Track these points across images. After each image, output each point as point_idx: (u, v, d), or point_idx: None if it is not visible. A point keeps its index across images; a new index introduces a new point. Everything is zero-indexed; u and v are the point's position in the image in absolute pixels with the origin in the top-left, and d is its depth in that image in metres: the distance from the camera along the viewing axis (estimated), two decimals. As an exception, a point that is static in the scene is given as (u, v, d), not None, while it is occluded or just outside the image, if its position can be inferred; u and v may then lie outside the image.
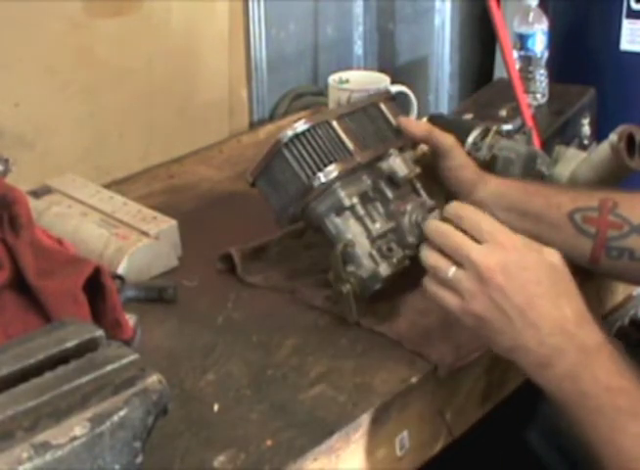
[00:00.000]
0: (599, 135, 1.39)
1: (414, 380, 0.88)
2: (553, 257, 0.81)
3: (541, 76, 1.50)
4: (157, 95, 1.44)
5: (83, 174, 1.24)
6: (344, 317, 0.96)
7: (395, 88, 1.34)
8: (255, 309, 1.01)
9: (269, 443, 0.80)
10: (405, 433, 0.88)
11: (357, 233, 0.96)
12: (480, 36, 2.20)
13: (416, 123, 1.06)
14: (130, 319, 0.92)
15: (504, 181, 1.04)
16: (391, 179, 0.98)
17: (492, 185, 1.03)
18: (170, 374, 0.77)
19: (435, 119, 1.16)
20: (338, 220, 0.96)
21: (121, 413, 0.65)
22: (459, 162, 1.03)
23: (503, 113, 1.36)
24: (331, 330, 0.97)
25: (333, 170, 0.95)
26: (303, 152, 0.96)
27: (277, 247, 1.11)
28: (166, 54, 1.44)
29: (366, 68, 1.89)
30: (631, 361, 0.77)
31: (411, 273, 0.95)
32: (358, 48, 1.90)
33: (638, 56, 1.72)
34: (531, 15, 1.49)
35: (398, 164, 0.98)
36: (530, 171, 1.13)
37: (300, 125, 0.97)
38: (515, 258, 0.79)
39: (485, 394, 0.97)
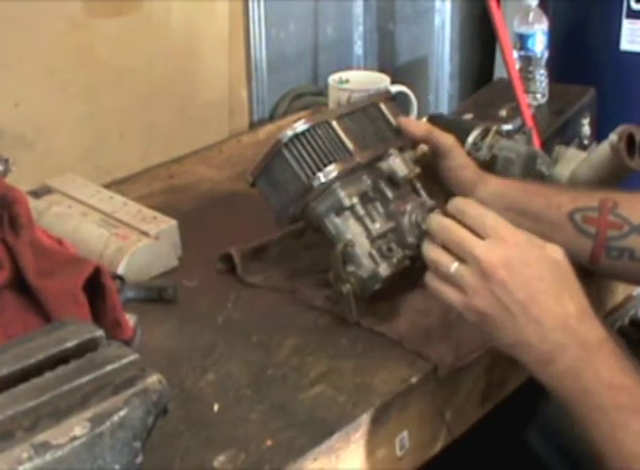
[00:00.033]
0: (599, 135, 1.39)
1: (414, 380, 0.88)
2: (556, 253, 0.81)
3: (541, 76, 1.50)
4: (157, 95, 1.44)
5: (83, 174, 1.24)
6: (344, 317, 0.96)
7: (395, 88, 1.34)
8: (255, 309, 1.01)
9: (269, 443, 0.80)
10: (405, 433, 0.88)
11: (357, 233, 0.96)
12: (480, 36, 2.20)
13: (416, 123, 1.06)
14: (130, 319, 0.92)
15: (504, 181, 1.04)
16: (391, 179, 0.98)
17: (492, 185, 1.03)
18: (170, 374, 0.77)
19: (435, 119, 1.16)
20: (337, 220, 0.96)
21: (121, 413, 0.65)
22: (459, 162, 1.03)
23: (503, 113, 1.36)
24: (331, 330, 0.97)
25: (332, 170, 0.95)
26: (303, 152, 0.96)
27: (277, 247, 1.11)
28: (166, 54, 1.44)
29: (366, 68, 1.89)
30: (633, 358, 0.77)
31: (411, 273, 0.95)
32: (358, 48, 1.90)
33: (638, 56, 1.72)
34: (531, 15, 1.49)
35: (398, 164, 0.98)
36: (530, 171, 1.13)
37: (300, 125, 0.97)
38: (518, 254, 0.79)
39: (485, 394, 0.97)
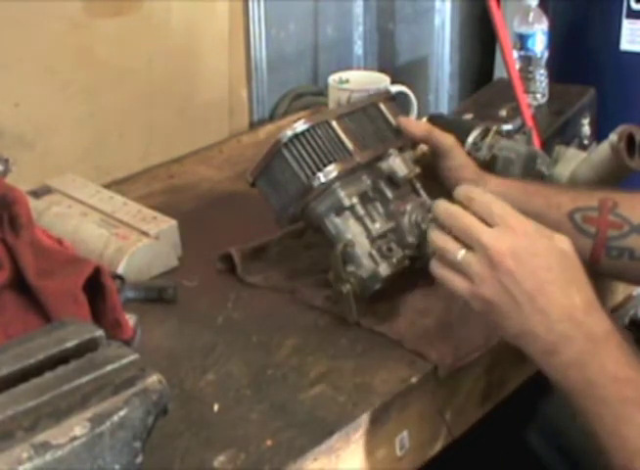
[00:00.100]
0: (599, 135, 1.39)
1: (414, 380, 0.88)
2: (564, 243, 0.80)
3: (541, 76, 1.50)
4: (157, 95, 1.44)
5: (83, 174, 1.24)
6: (344, 317, 0.96)
7: (395, 88, 1.34)
8: (255, 309, 1.01)
9: (269, 443, 0.80)
10: (405, 433, 0.88)
11: (357, 233, 0.96)
12: (480, 36, 2.20)
13: (416, 123, 1.06)
14: (130, 319, 0.92)
15: (504, 181, 1.04)
16: (391, 179, 0.98)
17: (492, 185, 1.03)
18: (170, 374, 0.77)
19: (435, 119, 1.16)
20: (337, 220, 0.96)
21: (121, 413, 0.65)
22: (459, 162, 1.03)
23: (503, 113, 1.36)
24: (331, 330, 0.97)
25: (332, 170, 0.95)
26: (303, 152, 0.96)
27: (277, 247, 1.11)
28: (166, 54, 1.44)
29: (366, 68, 1.89)
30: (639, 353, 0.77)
31: (411, 273, 0.95)
32: (358, 48, 1.90)
33: (638, 56, 1.72)
34: (531, 15, 1.49)
35: (398, 164, 0.98)
36: (530, 171, 1.13)
37: (300, 125, 0.97)
38: (526, 244, 0.78)
39: (485, 394, 0.97)
